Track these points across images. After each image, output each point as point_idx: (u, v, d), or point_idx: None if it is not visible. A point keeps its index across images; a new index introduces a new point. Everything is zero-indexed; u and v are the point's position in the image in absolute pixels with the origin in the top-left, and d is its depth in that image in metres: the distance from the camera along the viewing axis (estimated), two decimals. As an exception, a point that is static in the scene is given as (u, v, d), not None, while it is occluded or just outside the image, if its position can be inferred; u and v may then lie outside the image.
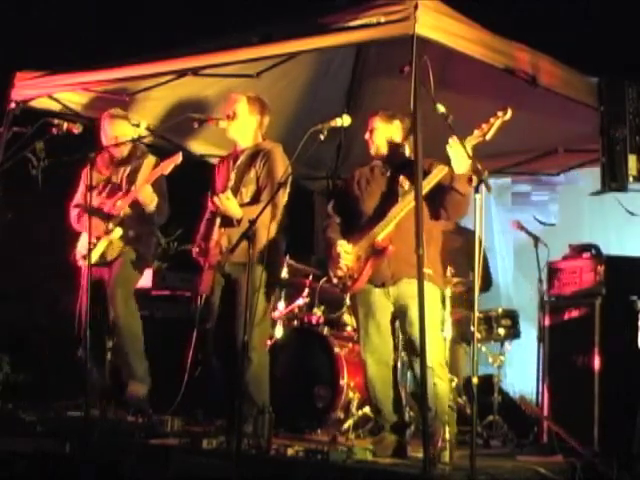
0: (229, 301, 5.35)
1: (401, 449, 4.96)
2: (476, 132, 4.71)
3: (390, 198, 4.98)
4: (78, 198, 6.06)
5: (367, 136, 5.16)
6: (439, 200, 4.87)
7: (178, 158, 5.65)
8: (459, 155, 4.69)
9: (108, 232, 5.81)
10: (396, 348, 5.27)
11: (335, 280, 5.11)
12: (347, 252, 5.02)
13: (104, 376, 5.84)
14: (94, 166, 5.98)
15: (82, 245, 5.92)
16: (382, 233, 4.93)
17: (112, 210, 5.85)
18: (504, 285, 8.02)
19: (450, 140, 4.70)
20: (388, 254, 4.92)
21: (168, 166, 5.68)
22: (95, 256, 5.81)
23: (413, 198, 4.77)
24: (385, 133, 5.13)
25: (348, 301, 6.20)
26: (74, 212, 6.02)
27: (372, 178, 5.15)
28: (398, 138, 5.13)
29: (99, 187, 6.01)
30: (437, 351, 4.87)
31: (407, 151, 5.11)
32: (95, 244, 5.80)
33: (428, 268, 4.80)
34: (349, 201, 5.20)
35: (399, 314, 5.04)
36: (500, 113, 4.70)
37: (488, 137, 4.72)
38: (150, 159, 5.98)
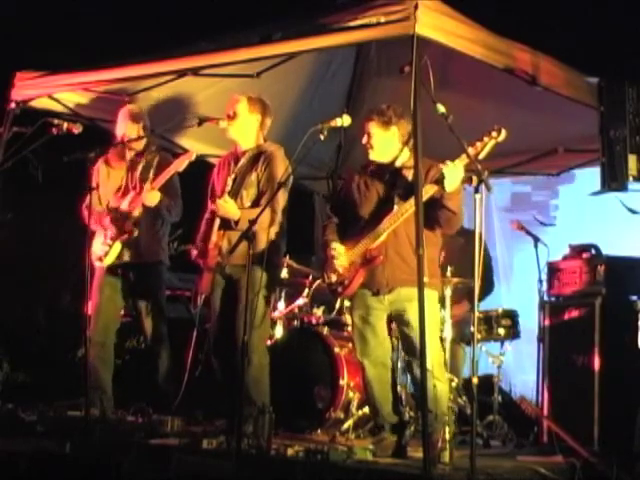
0: (229, 302, 5.35)
1: (401, 449, 4.97)
2: (470, 150, 4.66)
3: (387, 204, 4.97)
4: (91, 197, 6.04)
5: (364, 140, 5.11)
6: (432, 216, 4.85)
7: (192, 155, 5.67)
8: (453, 175, 4.68)
9: (124, 233, 5.83)
10: (394, 348, 5.27)
11: (327, 282, 5.12)
12: (341, 255, 5.03)
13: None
14: (103, 161, 6.07)
15: (97, 246, 5.94)
16: (376, 241, 4.93)
17: (127, 210, 5.86)
18: (504, 285, 8.01)
19: (447, 162, 4.69)
20: (379, 263, 4.93)
21: (182, 163, 5.70)
22: (112, 257, 5.84)
23: (408, 208, 4.78)
24: (382, 139, 5.06)
25: (347, 302, 6.21)
26: (87, 211, 6.00)
27: (371, 183, 5.12)
28: (397, 144, 5.07)
29: (113, 185, 6.02)
30: (435, 353, 4.87)
31: (407, 154, 5.08)
32: (111, 245, 5.83)
33: (424, 275, 4.82)
34: (348, 203, 5.19)
35: (396, 317, 5.04)
36: (494, 134, 4.65)
37: (481, 157, 4.69)
38: (163, 156, 6.03)
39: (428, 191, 4.77)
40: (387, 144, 5.07)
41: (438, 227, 4.99)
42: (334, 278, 5.07)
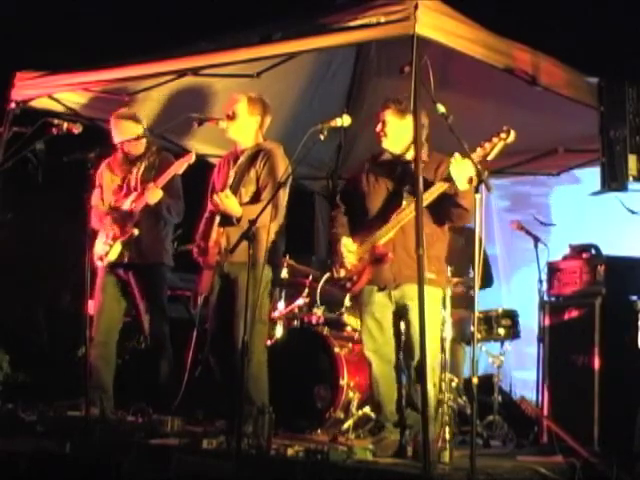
0: (228, 301, 5.35)
1: (401, 449, 4.96)
2: (479, 150, 4.65)
3: (396, 200, 4.95)
4: (93, 199, 6.04)
5: (378, 128, 5.08)
6: (444, 212, 4.86)
7: (191, 157, 5.70)
8: (462, 172, 4.65)
9: (125, 233, 5.83)
10: (399, 347, 5.27)
11: (337, 278, 5.12)
12: (350, 251, 5.03)
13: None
14: (106, 166, 6.10)
15: (99, 246, 5.93)
16: (385, 237, 4.93)
17: (128, 210, 5.86)
18: (505, 285, 8.01)
19: (452, 159, 4.67)
20: (388, 260, 4.93)
21: (182, 166, 5.72)
22: (113, 257, 5.84)
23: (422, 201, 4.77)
24: (397, 128, 5.03)
25: (348, 302, 6.21)
26: (91, 212, 5.99)
27: (381, 176, 5.11)
28: (410, 134, 4.96)
29: (115, 186, 6.03)
30: (431, 354, 4.84)
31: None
32: (112, 245, 5.83)
33: (431, 272, 4.82)
34: (357, 194, 5.18)
35: (400, 314, 5.04)
36: (503, 135, 4.64)
37: (490, 158, 4.68)
38: (164, 156, 6.03)
39: (438, 189, 4.77)
40: (401, 133, 5.03)
41: (449, 222, 4.98)
42: (343, 273, 5.08)
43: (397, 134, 5.05)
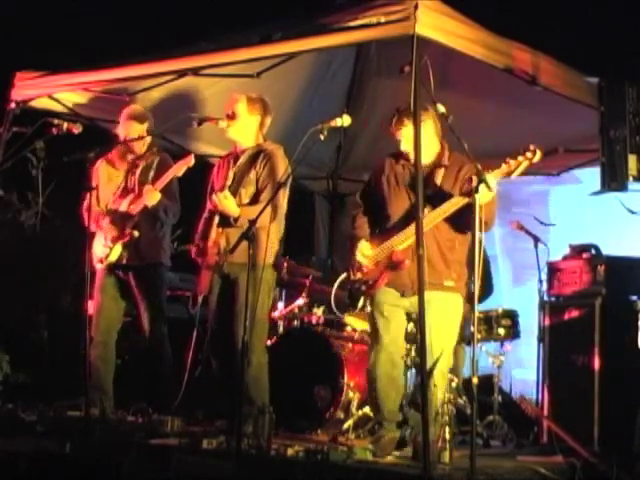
0: (228, 302, 5.35)
1: (400, 446, 4.96)
2: (503, 166, 4.61)
3: None
4: (89, 199, 6.03)
5: (402, 147, 4.97)
6: (465, 223, 4.80)
7: (191, 160, 5.67)
8: (483, 188, 4.57)
9: (125, 235, 5.83)
10: (407, 349, 5.25)
11: (352, 280, 5.11)
12: (367, 254, 5.02)
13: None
14: (105, 160, 6.08)
15: (98, 248, 5.94)
16: (403, 244, 4.90)
17: (126, 212, 5.86)
18: (505, 286, 8.01)
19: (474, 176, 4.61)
20: (404, 268, 4.90)
21: (181, 168, 5.70)
22: (113, 259, 5.86)
23: (435, 217, 4.76)
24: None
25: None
26: (87, 212, 5.97)
27: (402, 178, 5.04)
28: (433, 138, 4.95)
29: (114, 186, 6.03)
30: (444, 359, 4.86)
31: (438, 148, 5.00)
32: (111, 247, 5.83)
33: (451, 279, 4.85)
34: (376, 194, 5.13)
35: (415, 319, 5.03)
36: (529, 154, 4.58)
37: (513, 176, 4.64)
38: (163, 157, 6.03)
39: (457, 202, 4.74)
40: (425, 141, 4.79)
41: (468, 230, 4.92)
42: (359, 276, 5.07)
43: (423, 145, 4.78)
